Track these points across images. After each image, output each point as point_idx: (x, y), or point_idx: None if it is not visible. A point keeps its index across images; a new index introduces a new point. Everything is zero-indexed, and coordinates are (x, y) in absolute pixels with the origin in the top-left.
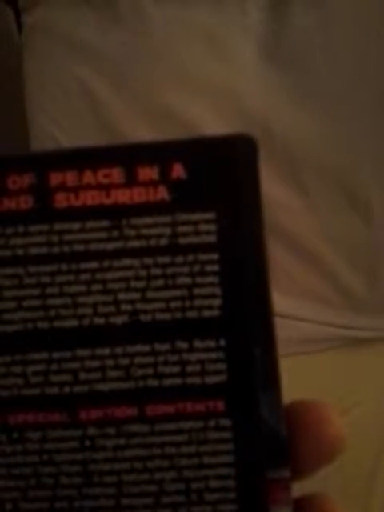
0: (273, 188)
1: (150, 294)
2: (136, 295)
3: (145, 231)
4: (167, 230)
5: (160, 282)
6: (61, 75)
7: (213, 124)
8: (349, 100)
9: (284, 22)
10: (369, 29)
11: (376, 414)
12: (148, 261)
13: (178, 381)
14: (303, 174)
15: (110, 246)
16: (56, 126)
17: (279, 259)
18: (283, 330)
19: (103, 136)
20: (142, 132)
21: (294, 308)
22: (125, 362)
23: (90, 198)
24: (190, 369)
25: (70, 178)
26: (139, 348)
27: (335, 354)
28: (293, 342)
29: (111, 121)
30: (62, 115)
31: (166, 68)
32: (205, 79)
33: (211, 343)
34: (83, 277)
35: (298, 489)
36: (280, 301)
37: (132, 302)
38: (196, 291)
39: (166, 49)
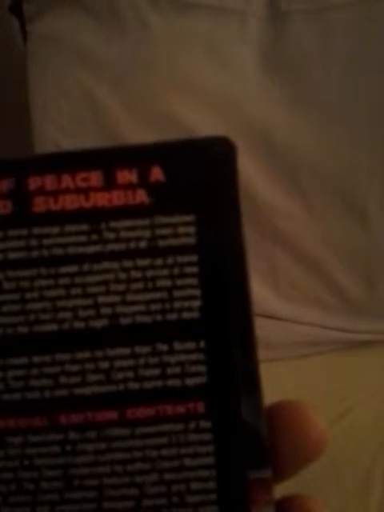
0: (273, 194)
1: (129, 297)
2: (116, 298)
3: (124, 234)
4: (146, 233)
5: (140, 285)
6: (64, 82)
7: (212, 130)
8: (347, 108)
9: (283, 31)
10: (366, 39)
11: (374, 415)
12: (127, 264)
13: (158, 383)
14: (303, 180)
15: (90, 249)
16: (59, 131)
17: (279, 264)
18: (283, 333)
19: (105, 141)
20: (142, 137)
21: (293, 311)
22: (105, 365)
23: (69, 202)
24: (170, 371)
25: (49, 182)
26: (119, 351)
27: (334, 356)
28: (292, 344)
29: (113, 126)
30: (65, 120)
31: (167, 76)
32: (205, 87)
33: (191, 345)
34: (63, 281)
35: (293, 489)
36: (280, 305)
37: (112, 305)
38: (176, 293)
39: (167, 57)
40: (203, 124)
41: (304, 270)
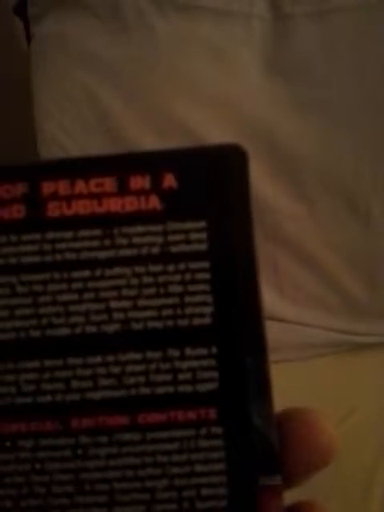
0: (276, 196)
1: (141, 303)
2: (128, 303)
3: (136, 240)
4: (159, 239)
5: (152, 291)
6: (68, 84)
7: (216, 133)
8: (350, 110)
9: (287, 33)
10: (370, 42)
11: (377, 417)
12: (140, 269)
13: (169, 389)
14: (305, 182)
15: (102, 254)
16: (62, 132)
17: (283, 266)
18: (286, 335)
19: (109, 143)
20: (147, 140)
21: (296, 314)
22: (117, 370)
23: (82, 207)
24: (181, 377)
25: (62, 187)
26: (131, 356)
27: (336, 358)
28: (295, 347)
29: (117, 128)
30: (69, 122)
31: (172, 78)
32: (209, 89)
33: (203, 351)
34: (75, 285)
35: (296, 493)
36: (284, 307)
37: (124, 310)
38: (187, 299)
39: (172, 60)
40: (206, 125)
41: (307, 271)
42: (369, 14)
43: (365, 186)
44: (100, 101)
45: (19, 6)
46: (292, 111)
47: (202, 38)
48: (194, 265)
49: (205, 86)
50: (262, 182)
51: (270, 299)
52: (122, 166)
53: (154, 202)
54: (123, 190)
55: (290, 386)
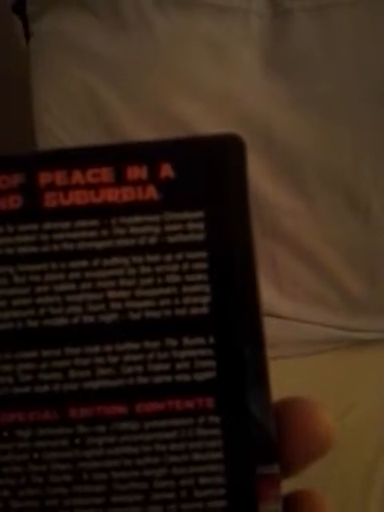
0: (275, 192)
1: (139, 293)
2: (125, 293)
3: (134, 230)
4: (156, 229)
5: (149, 281)
6: (67, 80)
7: (215, 129)
8: (349, 106)
9: (286, 29)
10: (369, 36)
11: (376, 413)
12: (137, 259)
13: (167, 378)
14: (305, 178)
15: (100, 244)
16: (62, 130)
17: (282, 262)
18: (285, 331)
19: (107, 139)
20: (145, 135)
21: (296, 310)
22: (114, 359)
23: (79, 198)
24: (179, 366)
25: (59, 177)
26: (129, 346)
27: (335, 355)
28: (294, 343)
29: (115, 124)
30: (68, 119)
31: (170, 74)
32: (207, 85)
33: (200, 340)
34: (73, 275)
35: (294, 485)
36: (282, 303)
37: (121, 300)
38: (185, 289)
39: (170, 56)
40: (205, 121)
41: (306, 268)
42: (368, 9)
43: (364, 182)
44: (99, 97)
45: (18, 4)
46: (291, 107)
47: (201, 35)
48: (191, 255)
49: (204, 82)
50: (261, 178)
51: (269, 295)
52: (119, 156)
53: (152, 192)
54: (120, 181)
55: (289, 383)
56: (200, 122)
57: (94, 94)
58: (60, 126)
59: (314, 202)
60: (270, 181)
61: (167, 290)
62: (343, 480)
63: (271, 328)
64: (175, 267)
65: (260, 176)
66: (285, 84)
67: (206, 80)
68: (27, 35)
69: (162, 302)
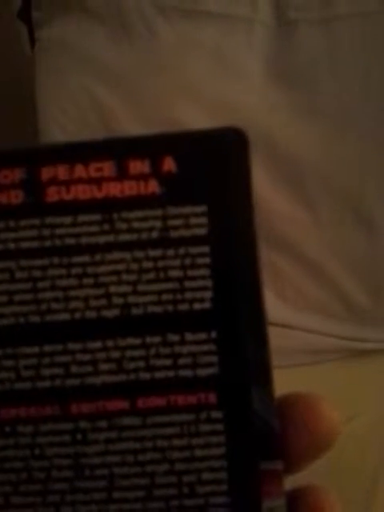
0: (278, 201)
1: (141, 287)
2: (127, 288)
3: (136, 224)
4: (158, 223)
5: (151, 275)
6: (71, 87)
7: None
8: (353, 117)
9: (291, 40)
10: (374, 50)
11: (378, 423)
12: (139, 254)
13: (169, 373)
14: (308, 188)
15: (102, 239)
16: (66, 136)
17: (286, 271)
18: (288, 340)
19: None
20: None
21: (299, 319)
22: (116, 355)
23: (82, 192)
24: (181, 361)
25: (62, 171)
26: (131, 341)
27: (339, 364)
28: (298, 352)
29: (119, 131)
30: (73, 126)
31: (174, 83)
32: (211, 93)
33: (203, 336)
34: (75, 270)
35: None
36: (286, 312)
37: (123, 295)
38: (187, 284)
39: (175, 64)
40: None
41: (310, 278)
42: (373, 21)
43: (368, 192)
44: (103, 104)
45: (23, 10)
46: (295, 117)
47: (205, 44)
48: (194, 249)
49: (208, 91)
50: (265, 188)
51: (273, 305)
52: (122, 150)
53: (154, 187)
54: (123, 175)
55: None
56: None
57: (98, 101)
58: (64, 132)
59: (317, 212)
60: (274, 190)
61: (169, 285)
62: (346, 489)
63: (275, 337)
64: (177, 262)
65: (262, 185)
66: (288, 94)
67: (209, 89)
68: (32, 41)
69: (165, 297)
